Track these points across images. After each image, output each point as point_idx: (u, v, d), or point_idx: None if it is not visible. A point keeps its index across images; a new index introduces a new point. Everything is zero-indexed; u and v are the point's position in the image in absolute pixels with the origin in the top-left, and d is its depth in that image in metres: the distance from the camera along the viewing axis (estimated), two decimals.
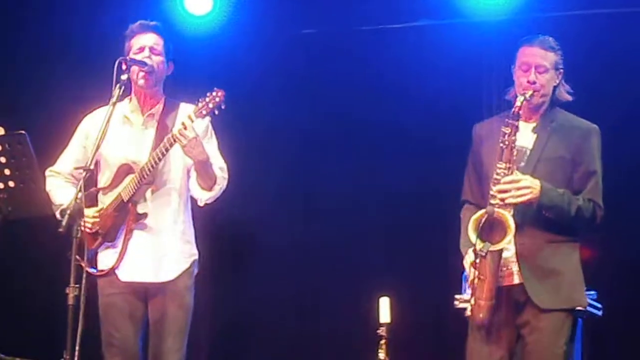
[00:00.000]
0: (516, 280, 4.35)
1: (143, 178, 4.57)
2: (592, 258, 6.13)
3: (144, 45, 4.66)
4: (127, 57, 4.59)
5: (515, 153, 4.31)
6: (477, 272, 4.25)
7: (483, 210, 4.28)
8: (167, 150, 4.50)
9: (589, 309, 5.36)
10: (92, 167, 4.36)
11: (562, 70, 4.46)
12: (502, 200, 4.26)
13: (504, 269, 4.34)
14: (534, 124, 4.46)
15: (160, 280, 4.65)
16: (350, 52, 6.70)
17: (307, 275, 6.63)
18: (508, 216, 4.25)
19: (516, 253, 4.33)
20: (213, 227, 5.78)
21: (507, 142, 4.29)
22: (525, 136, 4.42)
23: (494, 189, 4.28)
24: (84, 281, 4.05)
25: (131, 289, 4.65)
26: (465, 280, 4.54)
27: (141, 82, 4.63)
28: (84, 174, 4.27)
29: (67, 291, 4.02)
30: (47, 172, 4.74)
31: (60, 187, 4.74)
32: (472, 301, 4.30)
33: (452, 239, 4.55)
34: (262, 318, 6.65)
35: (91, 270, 4.57)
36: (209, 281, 5.74)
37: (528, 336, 4.35)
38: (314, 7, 6.71)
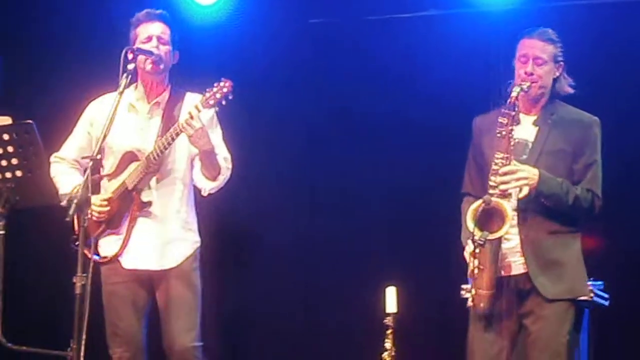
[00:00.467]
0: (520, 269, 4.38)
1: (149, 167, 4.58)
2: (599, 248, 6.14)
3: (152, 34, 4.66)
4: (134, 47, 4.60)
5: (512, 143, 4.34)
6: (476, 262, 4.27)
7: (481, 200, 4.31)
8: (173, 139, 4.51)
9: (595, 299, 5.39)
10: (98, 156, 4.37)
11: (562, 63, 4.49)
12: (502, 190, 4.29)
13: (508, 259, 4.38)
14: (535, 117, 4.49)
15: (164, 267, 4.66)
16: (358, 42, 6.68)
17: (313, 265, 6.63)
18: (506, 205, 4.29)
19: (520, 244, 4.36)
20: (217, 219, 5.77)
21: (504, 132, 4.32)
22: (526, 129, 4.46)
23: (493, 179, 4.31)
24: (90, 270, 4.06)
25: (135, 276, 4.67)
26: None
27: (148, 67, 4.63)
28: (90, 163, 4.29)
29: (74, 280, 4.02)
30: (51, 158, 4.76)
31: (64, 174, 4.76)
32: (473, 291, 4.33)
33: (459, 229, 4.56)
34: (268, 309, 6.64)
35: (94, 257, 4.58)
36: (214, 273, 5.73)
37: (531, 325, 4.38)
38: None
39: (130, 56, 4.45)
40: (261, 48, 6.59)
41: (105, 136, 4.31)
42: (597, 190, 4.43)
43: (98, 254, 4.69)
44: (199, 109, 4.43)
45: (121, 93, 4.39)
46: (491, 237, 4.26)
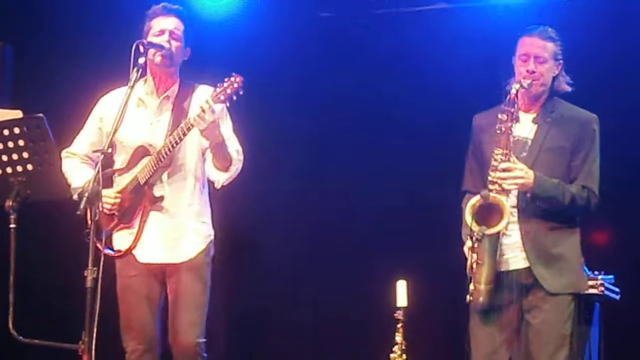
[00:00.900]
0: (521, 264, 4.42)
1: (160, 161, 4.59)
2: (610, 243, 6.14)
3: (165, 28, 4.66)
4: (145, 40, 4.59)
5: (511, 139, 4.39)
6: (475, 257, 4.30)
7: (479, 195, 4.35)
8: (184, 134, 4.52)
9: (606, 293, 5.40)
10: (109, 150, 4.37)
11: (561, 61, 4.53)
12: (500, 185, 4.33)
13: (508, 254, 4.42)
14: (534, 115, 4.53)
15: (178, 260, 4.67)
16: (367, 36, 6.68)
17: (323, 259, 6.63)
18: (504, 201, 4.33)
19: (521, 239, 4.41)
20: (226, 213, 5.77)
21: (503, 129, 4.37)
22: (526, 127, 4.51)
23: (492, 175, 4.35)
24: (101, 263, 4.06)
25: (149, 270, 4.69)
26: None
27: (157, 59, 4.63)
28: (101, 157, 4.29)
29: (85, 273, 4.03)
30: (62, 153, 4.77)
31: (76, 169, 4.77)
32: (472, 286, 4.36)
33: None
34: (277, 304, 6.65)
35: (107, 251, 4.60)
36: (224, 268, 5.74)
37: (533, 320, 4.42)
38: None
39: (141, 49, 4.44)
40: (271, 42, 6.59)
41: (116, 130, 4.31)
42: (593, 186, 4.46)
43: (112, 248, 4.70)
44: (210, 104, 4.43)
45: (132, 87, 4.38)
46: (489, 231, 4.31)
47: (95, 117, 4.81)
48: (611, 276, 5.53)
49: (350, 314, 6.47)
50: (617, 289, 5.55)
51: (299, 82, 6.70)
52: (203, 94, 4.56)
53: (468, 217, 4.35)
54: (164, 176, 4.67)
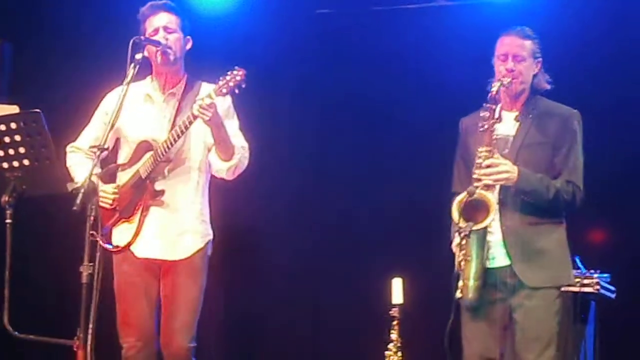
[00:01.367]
0: (504, 262, 4.44)
1: (160, 156, 4.58)
2: (606, 241, 6.14)
3: (158, 26, 4.66)
4: (141, 37, 4.59)
5: (494, 136, 4.43)
6: (463, 253, 4.32)
7: (465, 192, 4.39)
8: (186, 128, 4.51)
9: (602, 291, 5.40)
10: (106, 146, 4.37)
11: (540, 59, 4.58)
12: (485, 182, 4.36)
13: (492, 250, 4.44)
14: (516, 113, 4.58)
15: (175, 257, 4.66)
16: (365, 33, 6.68)
17: (319, 256, 6.63)
18: (490, 196, 4.36)
19: (502, 235, 4.43)
20: (223, 212, 5.77)
21: (486, 126, 4.42)
22: (509, 125, 4.55)
23: (477, 173, 4.38)
24: (98, 259, 4.06)
25: (146, 265, 4.68)
26: None
27: (159, 59, 4.63)
28: (98, 153, 4.29)
29: (81, 269, 4.03)
30: (68, 148, 4.80)
31: (80, 164, 4.77)
32: (461, 282, 4.37)
33: None
34: (274, 302, 6.65)
35: (106, 246, 4.61)
36: (219, 267, 5.73)
37: (520, 318, 4.44)
38: None
39: (138, 46, 4.43)
40: (268, 39, 6.58)
41: (113, 125, 4.31)
42: (577, 181, 4.48)
43: (111, 243, 4.69)
44: (212, 98, 4.43)
45: (128, 83, 4.38)
46: (476, 227, 4.33)
47: (101, 112, 4.81)
48: (607, 275, 5.53)
49: (346, 311, 6.47)
50: (612, 288, 5.56)
51: (296, 79, 6.70)
52: (207, 90, 4.54)
53: (455, 214, 4.39)
54: (166, 171, 4.66)
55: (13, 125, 4.11)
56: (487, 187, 4.37)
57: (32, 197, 4.18)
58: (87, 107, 4.91)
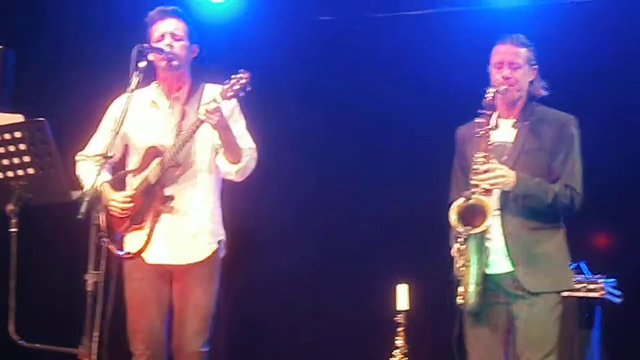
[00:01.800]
0: (505, 268, 4.44)
1: (168, 161, 4.57)
2: (612, 246, 6.14)
3: (165, 31, 4.65)
4: (144, 45, 4.58)
5: (491, 142, 4.44)
6: (463, 259, 4.35)
7: (463, 197, 4.41)
8: (193, 132, 4.50)
9: (607, 296, 5.40)
10: (111, 153, 4.36)
11: (536, 66, 4.60)
12: (483, 188, 4.38)
13: (492, 257, 4.43)
14: (514, 120, 4.59)
15: (188, 261, 4.64)
16: (367, 40, 6.68)
17: (324, 261, 6.63)
18: (487, 201, 4.37)
19: (504, 240, 4.43)
20: (227, 219, 5.79)
21: (482, 132, 4.45)
22: (506, 132, 4.57)
23: (475, 179, 4.40)
24: (102, 267, 4.05)
25: (157, 272, 4.65)
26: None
27: (162, 64, 4.63)
28: (102, 161, 4.28)
29: (86, 277, 4.02)
30: (77, 157, 4.79)
31: (89, 172, 4.73)
32: (462, 288, 4.39)
33: None
34: (277, 308, 6.64)
35: (119, 253, 4.60)
36: (224, 272, 5.74)
37: (522, 321, 4.43)
38: None
39: (141, 54, 4.43)
40: (271, 45, 6.59)
41: (117, 133, 4.31)
42: (576, 186, 4.48)
43: (122, 249, 4.68)
44: (217, 102, 4.43)
45: (132, 91, 4.38)
46: (474, 231, 4.35)
47: (108, 119, 4.79)
48: (613, 280, 5.53)
49: (352, 317, 6.46)
50: (618, 293, 5.55)
51: (299, 85, 6.70)
52: (212, 92, 4.54)
53: (453, 218, 4.40)
54: (176, 175, 4.65)
55: (18, 134, 4.11)
56: (485, 192, 4.38)
57: (37, 206, 4.18)
58: (92, 114, 4.90)
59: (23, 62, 6.04)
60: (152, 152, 4.65)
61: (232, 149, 4.60)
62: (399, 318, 5.20)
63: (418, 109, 6.41)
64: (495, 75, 4.53)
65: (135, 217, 4.67)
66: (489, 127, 4.43)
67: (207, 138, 4.63)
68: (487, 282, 4.42)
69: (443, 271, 5.88)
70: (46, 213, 4.56)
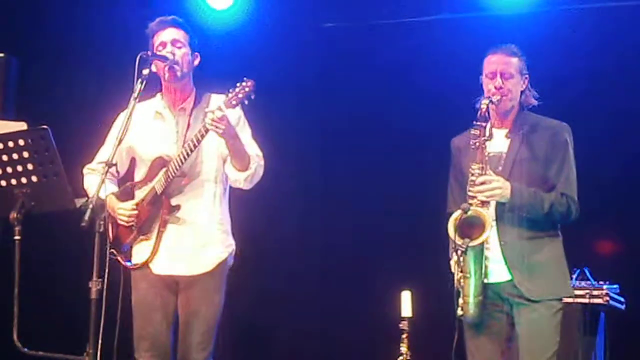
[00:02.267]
0: (504, 277, 4.45)
1: (174, 171, 4.57)
2: (615, 252, 6.13)
3: (165, 40, 4.65)
4: (148, 52, 4.58)
5: (486, 153, 4.45)
6: (461, 271, 4.36)
7: (460, 209, 4.40)
8: (198, 142, 4.50)
9: (611, 302, 5.40)
10: (114, 161, 4.36)
11: (527, 76, 4.60)
12: (480, 200, 4.39)
13: (491, 266, 4.44)
14: (507, 130, 4.60)
15: (196, 272, 4.64)
16: (370, 46, 6.69)
17: (328, 269, 6.63)
18: (485, 213, 4.38)
19: (501, 250, 4.44)
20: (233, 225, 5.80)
21: (477, 144, 4.45)
22: (500, 142, 4.58)
23: (472, 190, 4.41)
24: (106, 275, 4.06)
25: (164, 282, 4.65)
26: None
27: (167, 75, 4.63)
28: (106, 168, 4.28)
29: (90, 285, 4.02)
30: (84, 170, 4.80)
31: (97, 184, 4.73)
32: (461, 299, 4.39)
33: None
34: (282, 315, 6.64)
35: (126, 264, 4.62)
36: (229, 279, 5.74)
37: (523, 329, 4.44)
38: (334, 1, 6.71)
39: (145, 61, 4.43)
40: (275, 52, 6.60)
41: (120, 140, 4.30)
42: (571, 193, 4.49)
43: (130, 260, 4.69)
44: (222, 110, 4.43)
45: (136, 98, 4.38)
46: (472, 243, 4.34)
47: (115, 131, 4.78)
48: (616, 286, 5.52)
49: (356, 324, 6.46)
50: (622, 299, 5.55)
51: (302, 92, 6.70)
52: (218, 102, 4.54)
53: (451, 231, 4.40)
54: (182, 185, 4.65)
55: (21, 142, 4.11)
56: (482, 203, 4.39)
57: (40, 214, 4.18)
58: (95, 122, 4.91)
59: (26, 70, 6.07)
60: (159, 163, 4.65)
61: (240, 157, 4.59)
62: (403, 325, 5.20)
63: (422, 117, 6.41)
64: (488, 85, 4.54)
65: (143, 228, 4.66)
66: (485, 138, 4.44)
67: (213, 147, 4.63)
68: (487, 291, 4.43)
69: (447, 278, 5.90)
70: (50, 221, 4.57)
